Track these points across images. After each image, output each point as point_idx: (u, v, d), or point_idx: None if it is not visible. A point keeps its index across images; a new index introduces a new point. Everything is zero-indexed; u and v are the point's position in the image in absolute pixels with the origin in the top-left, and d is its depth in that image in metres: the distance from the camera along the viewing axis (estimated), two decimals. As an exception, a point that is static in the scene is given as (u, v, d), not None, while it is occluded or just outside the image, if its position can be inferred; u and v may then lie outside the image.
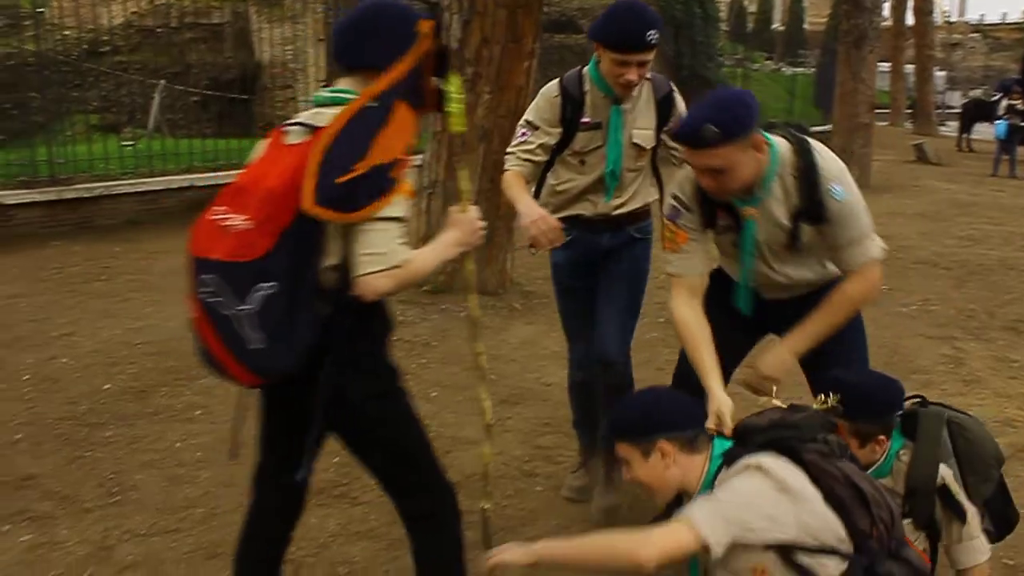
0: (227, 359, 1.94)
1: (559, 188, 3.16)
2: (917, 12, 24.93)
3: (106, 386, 4.42)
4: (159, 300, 5.93)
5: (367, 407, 2.13)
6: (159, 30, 13.19)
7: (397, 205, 1.96)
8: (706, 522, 1.85)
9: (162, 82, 12.17)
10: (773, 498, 1.89)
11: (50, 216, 7.63)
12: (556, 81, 3.07)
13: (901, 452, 2.45)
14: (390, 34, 2.07)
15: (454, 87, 2.17)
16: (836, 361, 2.60)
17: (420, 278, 2.11)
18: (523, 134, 3.07)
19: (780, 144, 2.46)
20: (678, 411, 2.13)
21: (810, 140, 2.50)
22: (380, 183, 1.94)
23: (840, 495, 1.91)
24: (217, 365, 1.98)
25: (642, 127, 3.05)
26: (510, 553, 1.99)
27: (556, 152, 3.09)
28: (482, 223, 2.26)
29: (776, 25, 34.92)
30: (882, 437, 2.43)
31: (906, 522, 2.31)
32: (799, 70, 23.89)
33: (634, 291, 3.24)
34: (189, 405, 4.24)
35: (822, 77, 20.93)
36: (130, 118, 12.91)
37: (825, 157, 2.47)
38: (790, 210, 2.48)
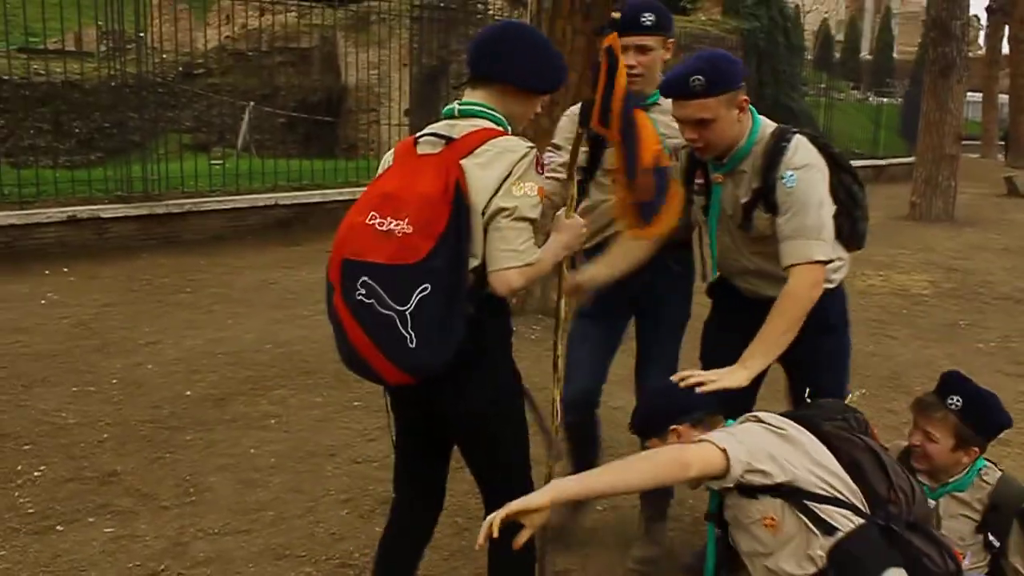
0: (377, 358, 2.04)
1: (591, 207, 3.04)
2: (1012, 40, 24.28)
3: (187, 392, 4.63)
4: (240, 313, 6.16)
5: (494, 406, 2.24)
6: (250, 53, 13.68)
7: (533, 207, 2.09)
8: (724, 440, 2.03)
9: (251, 104, 12.61)
10: (774, 441, 2.06)
11: (142, 230, 7.99)
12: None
13: (983, 471, 2.55)
14: (532, 55, 2.20)
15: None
16: (812, 370, 2.68)
17: (542, 276, 2.25)
18: (548, 156, 3.03)
19: (764, 122, 2.55)
20: (682, 399, 2.30)
21: (797, 133, 2.54)
22: (661, 187, 2.44)
23: (857, 457, 2.07)
24: (363, 365, 2.09)
25: (673, 135, 2.89)
26: (526, 502, 1.92)
27: (588, 172, 3.01)
28: (584, 228, 2.40)
29: (864, 54, 34.35)
30: (976, 449, 2.53)
31: (965, 538, 2.45)
32: (886, 100, 23.46)
33: (676, 344, 3.11)
34: (264, 414, 4.41)
35: (909, 107, 20.54)
36: (220, 138, 13.40)
37: (799, 148, 2.49)
38: (749, 189, 2.54)
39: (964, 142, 13.36)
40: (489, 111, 2.19)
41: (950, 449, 2.49)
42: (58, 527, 3.29)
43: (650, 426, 2.32)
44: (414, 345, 2.01)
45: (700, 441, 2.08)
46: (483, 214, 2.08)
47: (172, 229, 8.21)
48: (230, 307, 6.33)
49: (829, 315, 2.66)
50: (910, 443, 2.55)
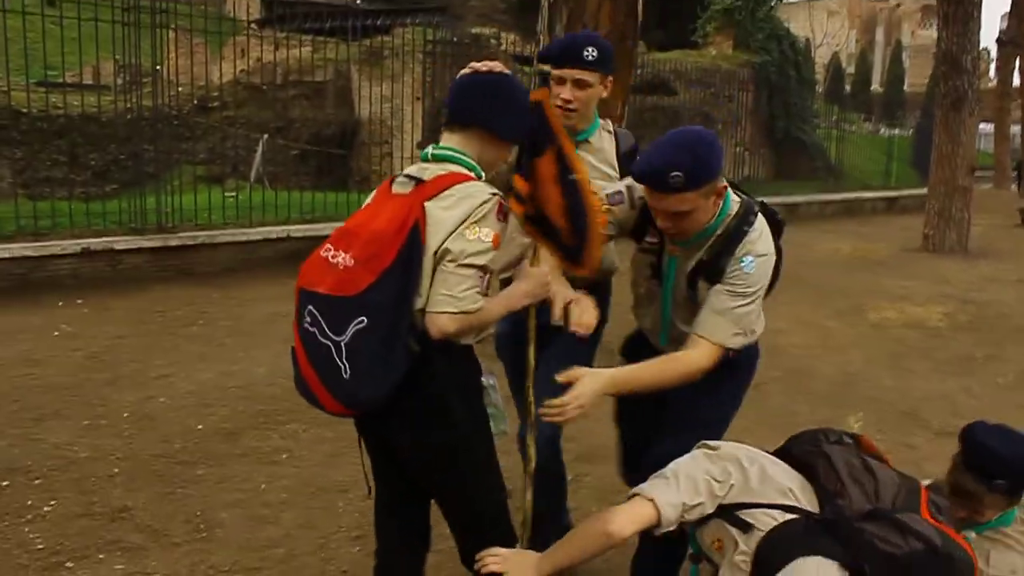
0: (318, 387, 2.09)
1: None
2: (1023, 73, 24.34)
3: (199, 426, 4.61)
4: (251, 346, 6.16)
5: (447, 450, 2.21)
6: (264, 87, 13.79)
7: (482, 252, 2.08)
8: (653, 489, 2.11)
9: (264, 136, 12.70)
10: (706, 465, 2.13)
11: (155, 262, 8.01)
12: None
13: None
14: (515, 105, 2.22)
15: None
16: (672, 420, 2.64)
17: (487, 325, 2.22)
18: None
19: (732, 201, 2.48)
20: None
21: (758, 216, 2.48)
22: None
23: (811, 461, 2.17)
24: (309, 392, 2.13)
25: (602, 179, 2.82)
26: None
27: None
28: (548, 278, 2.35)
29: (875, 87, 34.46)
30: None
31: None
32: (897, 132, 23.49)
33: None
34: (276, 448, 4.39)
35: (920, 139, 20.57)
36: (233, 170, 13.49)
37: (762, 235, 2.45)
38: (696, 260, 2.49)
39: (976, 173, 13.33)
40: (461, 156, 2.22)
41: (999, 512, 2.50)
42: (68, 563, 3.26)
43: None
44: (347, 376, 2.04)
45: (632, 496, 2.15)
46: (435, 255, 2.09)
47: (185, 261, 8.24)
48: (242, 340, 6.33)
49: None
50: (956, 515, 2.42)
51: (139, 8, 8.56)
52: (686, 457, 2.19)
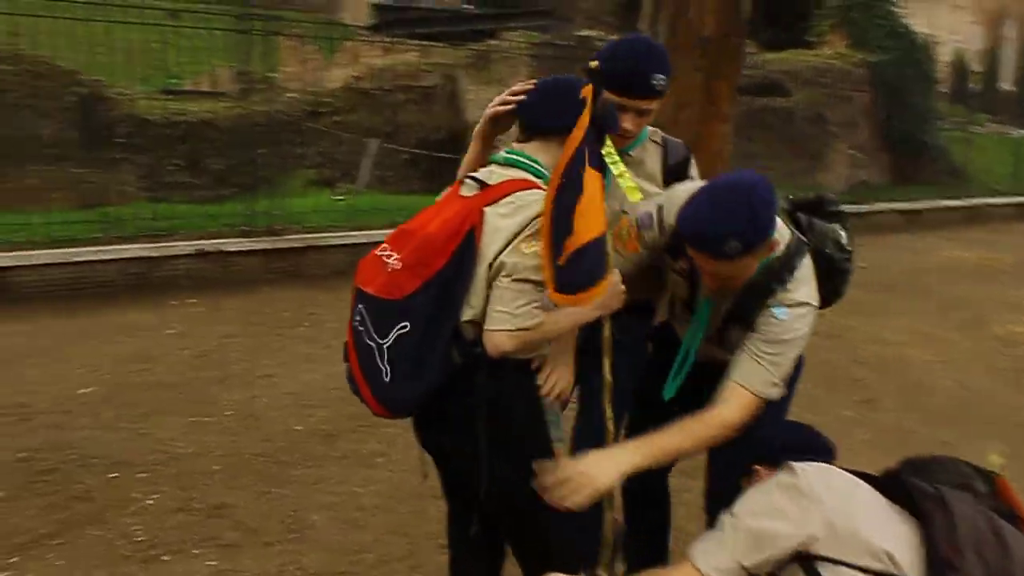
0: (362, 385, 2.07)
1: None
2: None
3: (298, 427, 4.67)
4: (354, 347, 6.22)
5: (500, 471, 2.12)
6: (374, 92, 14.03)
7: (539, 270, 1.98)
8: (701, 556, 1.88)
9: (374, 140, 12.92)
10: (782, 503, 1.85)
11: (264, 264, 8.21)
12: None
13: None
14: (562, 101, 2.12)
15: (606, 152, 2.19)
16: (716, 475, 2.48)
17: (549, 339, 2.12)
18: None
19: (778, 241, 2.23)
20: (758, 446, 2.13)
21: (804, 262, 2.26)
22: (595, 261, 1.98)
23: (927, 510, 1.82)
24: (356, 390, 2.11)
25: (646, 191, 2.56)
26: None
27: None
28: (623, 288, 2.19)
29: (1004, 85, 32.78)
30: None
31: None
32: (1029, 133, 22.23)
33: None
34: (372, 452, 4.40)
35: (1055, 141, 19.41)
36: (344, 174, 13.76)
37: (801, 284, 2.24)
38: (728, 309, 2.31)
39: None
40: (531, 163, 2.14)
41: None
42: (164, 557, 3.34)
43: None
44: (387, 379, 2.00)
45: (682, 564, 1.92)
46: (490, 267, 2.01)
47: (294, 263, 8.41)
48: (345, 341, 6.40)
49: None
50: None
51: (253, 17, 8.78)
52: (756, 491, 1.94)
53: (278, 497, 3.87)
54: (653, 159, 2.65)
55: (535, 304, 2.01)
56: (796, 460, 1.97)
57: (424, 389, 2.01)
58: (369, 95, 14.47)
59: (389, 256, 2.08)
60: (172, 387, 5.25)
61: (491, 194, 2.07)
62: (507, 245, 2.00)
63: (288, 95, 13.74)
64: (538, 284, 2.00)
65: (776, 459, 2.04)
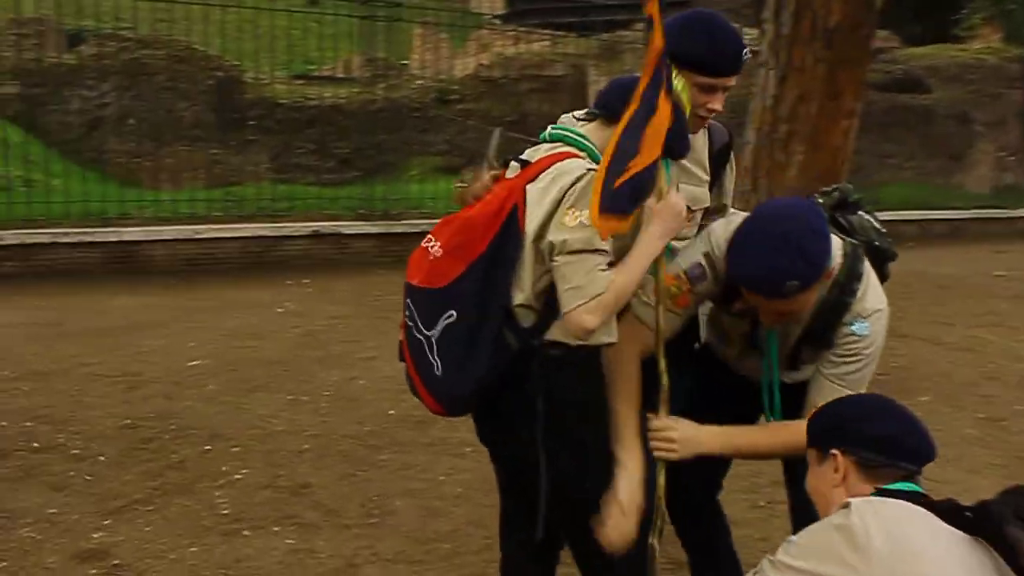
0: (417, 382, 2.00)
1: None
2: None
3: (391, 411, 4.68)
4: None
5: (558, 467, 2.02)
6: (501, 81, 14.06)
7: (591, 237, 1.86)
8: None
9: (497, 129, 12.93)
10: (830, 545, 1.56)
11: (379, 247, 8.33)
12: None
13: None
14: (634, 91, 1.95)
15: (679, 85, 2.05)
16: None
17: (629, 295, 1.96)
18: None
19: (835, 257, 2.05)
20: (877, 428, 1.74)
21: (864, 270, 2.08)
22: (645, 186, 1.87)
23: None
24: (413, 388, 2.05)
25: (692, 183, 2.39)
26: None
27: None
28: (684, 206, 2.02)
29: None
30: None
31: None
32: None
33: None
34: (461, 442, 4.36)
35: None
36: (469, 161, 13.86)
37: (868, 291, 2.08)
38: (800, 334, 2.13)
39: None
40: (579, 138, 2.02)
41: None
42: (245, 531, 3.38)
43: (815, 431, 1.83)
44: (440, 373, 1.91)
45: None
46: (536, 245, 1.90)
47: (407, 248, 8.32)
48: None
49: None
50: None
51: (378, 4, 8.90)
52: (808, 530, 1.67)
53: (362, 480, 3.87)
54: (700, 143, 2.45)
55: (600, 267, 1.87)
56: (878, 459, 1.70)
57: (476, 381, 1.91)
58: (496, 84, 14.51)
59: (432, 245, 2.00)
60: (277, 364, 5.36)
61: (532, 170, 1.98)
62: (549, 218, 1.89)
63: (417, 82, 13.94)
64: (597, 251, 1.87)
65: (857, 447, 1.73)
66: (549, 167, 1.96)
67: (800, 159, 5.50)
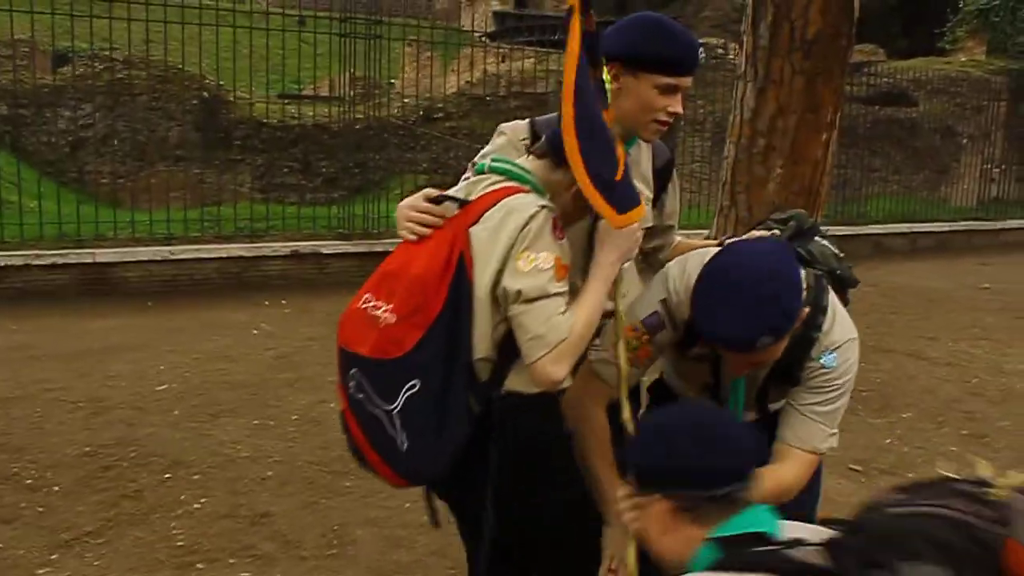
0: (374, 458, 1.82)
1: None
2: None
3: (360, 435, 4.57)
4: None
5: (532, 514, 1.96)
6: (487, 98, 14.02)
7: (549, 281, 1.73)
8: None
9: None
10: None
11: (359, 267, 8.21)
12: (526, 123, 2.29)
13: None
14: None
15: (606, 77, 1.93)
16: None
17: (594, 327, 1.83)
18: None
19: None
20: (694, 459, 1.41)
21: (829, 300, 1.96)
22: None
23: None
24: (365, 462, 1.87)
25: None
26: None
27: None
28: (636, 229, 1.90)
29: None
30: None
31: None
32: None
33: None
34: (431, 464, 4.26)
35: None
36: (456, 179, 13.80)
37: (835, 322, 1.95)
38: (766, 375, 2.00)
39: None
40: (522, 172, 1.86)
41: None
42: (199, 564, 3.27)
43: (644, 472, 1.48)
44: (406, 448, 1.73)
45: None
46: (491, 294, 1.74)
47: (388, 267, 8.40)
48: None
49: None
50: None
51: (356, 20, 8.86)
52: None
53: (324, 508, 3.76)
54: (646, 159, 2.33)
55: (559, 311, 1.74)
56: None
57: (452, 448, 1.77)
58: (482, 101, 14.48)
59: (376, 306, 1.80)
60: (246, 387, 5.25)
61: (473, 211, 1.80)
62: (503, 263, 1.74)
63: (403, 100, 13.88)
64: (554, 295, 1.75)
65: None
66: (493, 205, 1.79)
67: (779, 173, 5.41)
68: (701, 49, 2.14)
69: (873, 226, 11.63)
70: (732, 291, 1.73)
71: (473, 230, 1.77)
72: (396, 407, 1.74)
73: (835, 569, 1.18)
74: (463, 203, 1.83)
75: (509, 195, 1.79)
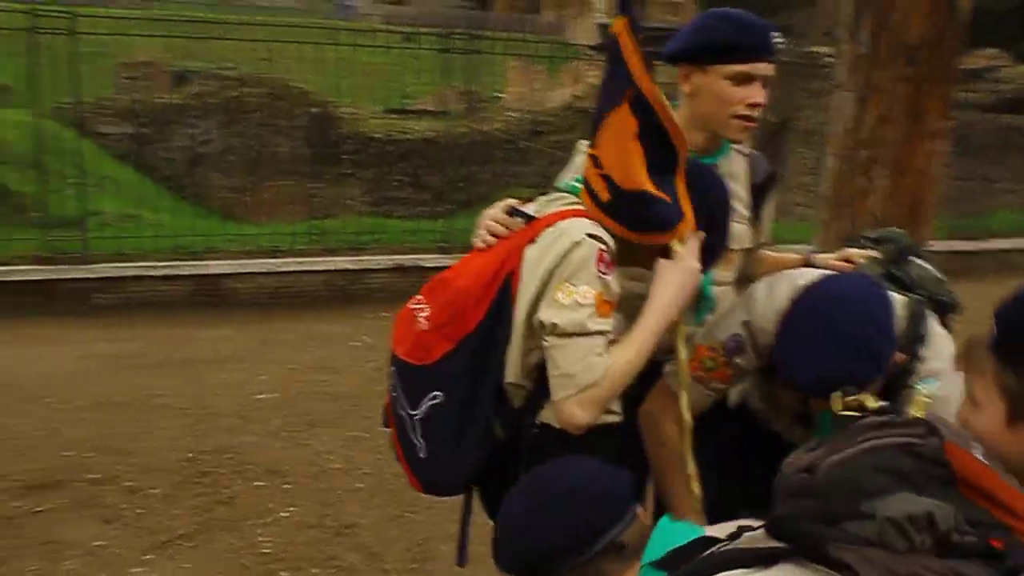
0: (400, 456, 1.83)
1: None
2: None
3: (450, 448, 4.58)
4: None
5: None
6: (592, 111, 14.00)
7: (589, 318, 1.61)
8: None
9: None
10: None
11: (460, 280, 8.30)
12: None
13: None
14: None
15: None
16: None
17: (633, 376, 1.67)
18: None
19: (898, 315, 1.75)
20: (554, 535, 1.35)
21: (928, 329, 1.78)
22: (664, 209, 1.65)
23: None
24: (396, 456, 1.88)
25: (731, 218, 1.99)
26: None
27: None
28: (697, 262, 1.72)
29: None
30: None
31: None
32: None
33: None
34: (518, 480, 4.23)
35: None
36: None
37: (936, 347, 1.77)
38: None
39: None
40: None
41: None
42: (283, 572, 3.33)
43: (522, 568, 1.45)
44: (424, 456, 1.71)
45: None
46: (527, 319, 1.66)
47: (488, 280, 8.44)
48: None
49: None
50: None
51: (456, 36, 8.97)
52: None
53: (409, 522, 3.78)
54: (741, 172, 2.16)
55: (597, 352, 1.61)
56: None
57: (469, 469, 1.73)
58: (588, 114, 14.44)
59: (421, 311, 1.78)
60: (344, 399, 5.34)
61: (534, 229, 1.70)
62: (542, 289, 1.65)
63: (509, 113, 13.98)
64: (593, 334, 1.64)
65: None
66: (552, 225, 1.69)
67: (883, 184, 5.19)
68: (776, 34, 1.97)
69: (998, 240, 11.04)
70: (826, 327, 1.61)
71: (528, 249, 1.70)
72: (418, 414, 1.73)
73: (799, 539, 1.04)
74: (529, 219, 1.75)
75: (571, 217, 1.70)
